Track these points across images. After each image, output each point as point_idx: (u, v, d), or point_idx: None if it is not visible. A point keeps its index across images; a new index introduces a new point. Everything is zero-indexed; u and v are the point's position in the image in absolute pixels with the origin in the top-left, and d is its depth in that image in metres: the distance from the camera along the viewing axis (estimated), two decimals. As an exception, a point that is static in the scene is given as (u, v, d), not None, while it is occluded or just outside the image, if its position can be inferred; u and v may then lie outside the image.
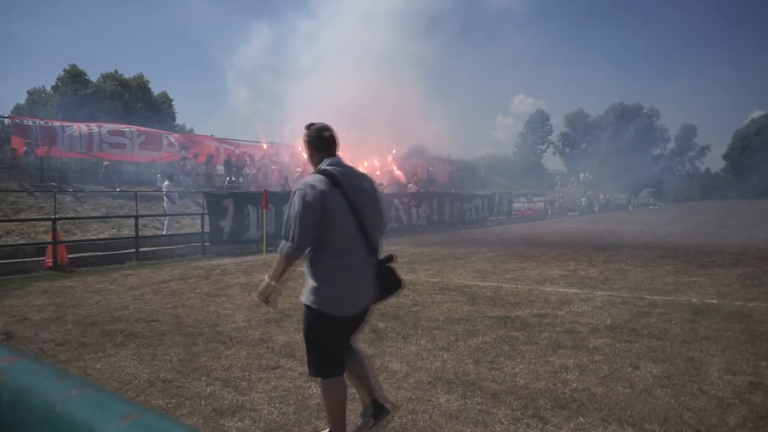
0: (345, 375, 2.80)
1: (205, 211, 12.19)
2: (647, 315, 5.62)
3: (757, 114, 73.91)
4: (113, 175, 16.58)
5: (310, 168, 2.82)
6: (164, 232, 12.97)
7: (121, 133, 17.41)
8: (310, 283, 2.63)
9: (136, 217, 11.50)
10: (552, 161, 72.64)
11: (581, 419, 3.11)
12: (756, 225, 20.47)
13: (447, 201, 20.39)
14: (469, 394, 3.51)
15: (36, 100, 30.53)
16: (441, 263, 10.04)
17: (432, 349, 4.49)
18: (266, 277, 2.67)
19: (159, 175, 16.30)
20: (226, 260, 10.75)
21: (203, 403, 3.43)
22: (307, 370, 2.78)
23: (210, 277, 8.59)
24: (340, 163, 2.71)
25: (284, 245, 2.58)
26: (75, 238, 11.29)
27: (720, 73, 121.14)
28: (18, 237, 10.96)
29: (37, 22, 78.49)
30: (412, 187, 21.54)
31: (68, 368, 4.08)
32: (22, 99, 31.84)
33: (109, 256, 10.63)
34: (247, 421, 3.15)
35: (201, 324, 5.46)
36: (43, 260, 9.58)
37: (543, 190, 35.85)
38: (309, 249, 2.64)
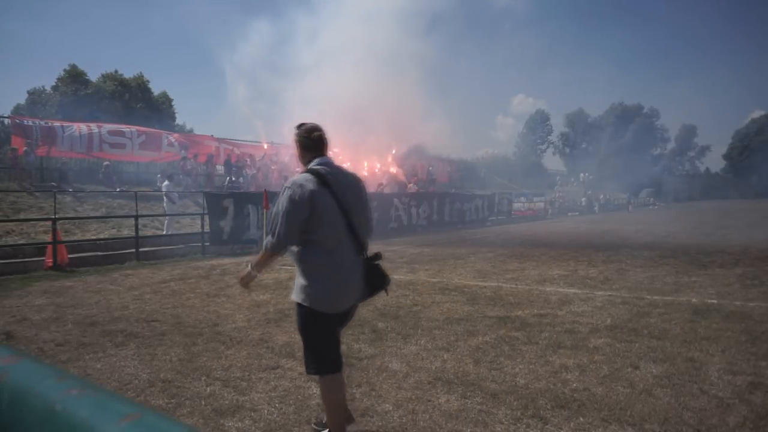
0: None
1: (205, 211, 12.19)
2: (647, 315, 5.62)
3: (757, 114, 74.03)
4: (113, 175, 16.58)
5: None
6: (164, 232, 12.97)
7: (121, 133, 17.41)
8: (300, 281, 2.69)
9: (136, 217, 11.50)
10: (552, 161, 72.72)
11: (581, 419, 3.11)
12: (756, 225, 20.47)
13: (447, 201, 20.39)
14: (469, 394, 3.51)
15: (36, 100, 30.52)
16: (441, 263, 10.04)
17: (432, 349, 4.49)
18: (248, 266, 2.82)
19: (159, 175, 16.30)
20: (226, 260, 10.75)
21: (203, 403, 3.43)
22: (305, 369, 2.82)
23: (210, 277, 8.59)
24: (329, 163, 2.77)
25: (268, 240, 2.69)
26: (75, 238, 11.30)
27: (720, 73, 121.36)
28: (18, 237, 10.96)
29: (37, 22, 78.59)
30: (412, 187, 21.54)
31: (68, 368, 4.08)
32: (22, 99, 31.86)
33: (109, 256, 10.62)
34: (247, 421, 3.15)
35: (201, 324, 5.46)
36: (43, 260, 9.58)
37: (543, 190, 35.84)
38: (298, 248, 2.69)
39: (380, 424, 3.12)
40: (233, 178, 17.72)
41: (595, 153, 64.21)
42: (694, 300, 6.36)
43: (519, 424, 3.06)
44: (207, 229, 12.05)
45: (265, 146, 21.25)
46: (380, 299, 6.46)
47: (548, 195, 33.45)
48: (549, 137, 72.98)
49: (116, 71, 32.46)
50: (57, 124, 16.64)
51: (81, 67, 31.46)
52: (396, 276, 8.47)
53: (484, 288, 7.34)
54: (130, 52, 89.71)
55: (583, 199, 36.99)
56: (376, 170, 20.62)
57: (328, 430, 2.82)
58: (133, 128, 18.10)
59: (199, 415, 3.25)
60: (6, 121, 19.38)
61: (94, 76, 32.04)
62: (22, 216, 11.95)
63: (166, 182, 14.41)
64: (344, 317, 2.82)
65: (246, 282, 2.87)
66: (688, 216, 28.61)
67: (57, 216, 10.78)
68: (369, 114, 22.17)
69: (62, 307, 6.35)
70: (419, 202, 18.66)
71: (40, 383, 0.82)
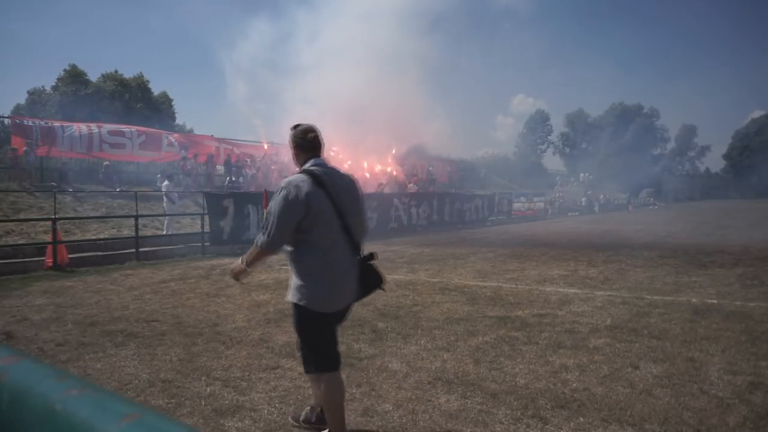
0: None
1: (205, 211, 12.19)
2: (647, 315, 5.62)
3: (757, 114, 74.04)
4: (113, 175, 16.59)
5: None
6: (164, 232, 12.98)
7: (121, 134, 17.42)
8: (296, 281, 2.71)
9: (136, 217, 11.50)
10: (552, 161, 72.70)
11: (581, 419, 3.11)
12: (756, 225, 20.47)
13: (447, 201, 20.39)
14: (469, 394, 3.51)
15: (36, 100, 30.52)
16: (441, 263, 10.04)
17: (432, 349, 4.49)
18: (240, 260, 2.83)
19: (159, 175, 16.31)
20: (226, 260, 10.75)
21: (203, 403, 3.43)
22: (304, 369, 2.85)
23: (210, 277, 8.59)
24: (323, 164, 2.79)
25: (260, 238, 2.71)
26: (75, 238, 11.30)
27: (720, 74, 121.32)
28: (18, 237, 10.96)
29: (37, 22, 78.55)
30: (412, 187, 21.55)
31: (68, 368, 4.08)
32: (22, 99, 31.87)
33: (109, 256, 10.63)
34: (247, 421, 3.15)
35: (201, 324, 5.46)
36: (43, 260, 9.58)
37: (543, 190, 35.82)
38: (293, 248, 2.72)
39: (380, 424, 3.12)
40: (233, 178, 17.73)
41: (595, 153, 64.20)
42: (694, 300, 6.36)
43: (519, 424, 3.06)
44: (207, 229, 12.05)
45: (265, 146, 21.26)
46: (380, 299, 6.47)
47: (548, 195, 33.44)
48: (549, 137, 73.01)
49: (116, 71, 32.48)
50: (57, 124, 16.65)
51: (81, 67, 31.49)
52: (396, 276, 8.47)
53: (484, 288, 7.34)
54: (130, 52, 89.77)
55: (583, 199, 36.98)
56: (377, 170, 20.61)
57: (328, 430, 2.83)
58: (133, 128, 18.11)
59: (199, 415, 3.25)
60: (6, 121, 19.39)
61: (94, 76, 32.07)
62: (22, 216, 11.96)
63: (166, 182, 14.42)
64: (340, 316, 2.84)
65: (237, 275, 2.89)
66: (688, 216, 28.61)
67: (57, 216, 10.79)
68: (369, 113, 22.18)
69: (62, 307, 6.35)
70: (419, 202, 18.66)
71: (40, 383, 0.82)
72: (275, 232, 2.64)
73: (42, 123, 16.20)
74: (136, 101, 31.54)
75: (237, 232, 12.00)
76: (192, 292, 7.28)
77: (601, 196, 39.85)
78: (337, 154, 20.39)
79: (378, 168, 20.93)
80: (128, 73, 32.83)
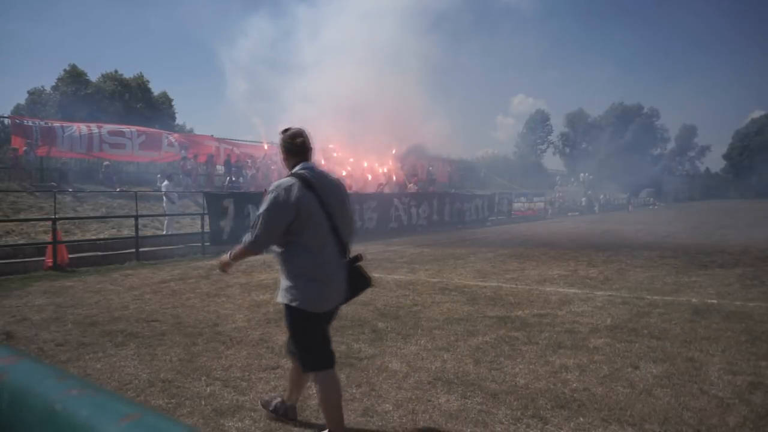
0: (292, 368, 3.06)
1: (205, 211, 12.19)
2: (647, 315, 5.62)
3: (757, 114, 74.06)
4: (113, 175, 16.58)
5: None
6: (164, 232, 12.97)
7: (121, 134, 17.42)
8: (286, 282, 2.76)
9: (136, 217, 11.50)
10: (552, 161, 72.70)
11: (581, 419, 3.11)
12: (756, 225, 20.47)
13: (447, 201, 20.39)
14: (469, 394, 3.51)
15: (36, 100, 30.54)
16: (441, 263, 10.04)
17: (432, 349, 4.49)
18: (227, 255, 2.93)
19: (159, 175, 16.31)
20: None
21: (203, 403, 3.43)
22: (302, 368, 2.91)
23: (210, 277, 8.58)
24: (312, 168, 2.86)
25: (247, 237, 2.78)
26: (75, 238, 11.30)
27: (720, 74, 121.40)
28: (18, 237, 10.96)
29: (37, 22, 78.53)
30: (412, 187, 21.55)
31: (68, 368, 4.08)
32: (22, 99, 31.88)
33: (109, 256, 10.62)
34: (247, 421, 3.15)
35: (201, 324, 5.46)
36: (43, 260, 9.58)
37: (543, 190, 35.82)
38: (283, 250, 2.77)
39: (380, 424, 3.12)
40: (233, 178, 17.72)
41: (595, 153, 64.21)
42: (694, 300, 6.36)
43: (519, 424, 3.06)
44: (207, 229, 12.05)
45: (266, 146, 21.24)
46: (380, 299, 6.47)
47: (548, 195, 33.43)
48: (549, 137, 73.05)
49: (116, 71, 32.51)
50: (57, 124, 16.64)
51: (81, 67, 31.54)
52: (396, 276, 8.47)
53: (484, 288, 7.34)
54: (130, 52, 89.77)
55: (583, 199, 36.99)
56: (379, 172, 20.60)
57: (327, 430, 2.83)
58: (133, 128, 18.10)
59: (199, 415, 3.25)
60: (6, 121, 19.39)
61: (94, 76, 32.10)
62: (22, 216, 11.95)
63: (166, 182, 14.42)
64: (329, 316, 2.90)
65: (223, 267, 3.02)
66: (688, 216, 28.61)
67: (57, 216, 10.78)
68: (369, 113, 22.16)
69: (62, 307, 6.35)
70: (419, 202, 18.66)
71: (40, 383, 0.82)
72: (261, 232, 2.71)
73: (42, 123, 16.19)
74: (136, 101, 31.56)
75: (237, 232, 11.98)
76: (192, 292, 7.28)
77: (601, 196, 39.86)
78: (333, 150, 20.38)
79: (381, 170, 20.90)
80: (128, 73, 32.89)
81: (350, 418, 3.13)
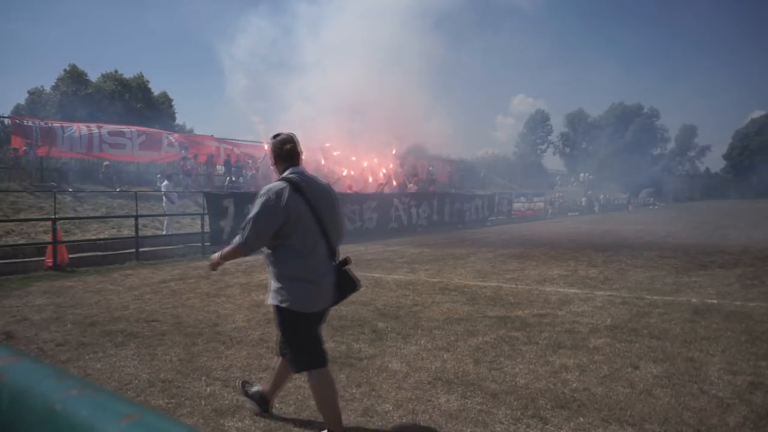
0: (279, 365, 3.10)
1: (205, 211, 12.19)
2: (647, 315, 5.62)
3: (757, 114, 74.06)
4: (113, 175, 16.59)
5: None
6: (164, 232, 12.97)
7: (121, 134, 17.42)
8: (276, 284, 2.81)
9: (136, 217, 11.50)
10: (552, 161, 72.74)
11: (581, 419, 3.11)
12: (756, 225, 20.47)
13: (447, 201, 20.39)
14: (469, 394, 3.51)
15: (36, 100, 30.55)
16: (441, 263, 10.04)
17: (432, 349, 4.49)
18: (217, 255, 3.04)
19: (159, 175, 16.32)
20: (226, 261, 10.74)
21: (203, 403, 3.43)
22: (295, 368, 2.94)
23: (210, 277, 8.58)
24: (302, 172, 2.92)
25: (237, 239, 2.86)
26: (75, 238, 11.30)
27: (720, 74, 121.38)
28: (18, 237, 10.96)
29: (37, 22, 78.45)
30: (412, 188, 21.55)
31: (68, 368, 4.08)
32: (22, 99, 31.89)
33: (109, 256, 10.63)
34: (247, 421, 3.15)
35: (201, 324, 5.46)
36: (43, 260, 9.58)
37: (543, 190, 35.82)
38: (273, 252, 2.83)
39: (380, 424, 3.12)
40: (233, 178, 17.73)
41: (595, 153, 64.22)
42: (694, 300, 6.36)
43: (519, 424, 3.06)
44: (207, 229, 12.05)
45: (266, 146, 21.20)
46: (380, 299, 6.48)
47: (548, 195, 33.44)
48: (549, 137, 73.11)
49: (116, 71, 32.53)
50: (57, 124, 16.64)
51: (81, 67, 31.56)
52: (396, 276, 8.47)
53: (484, 288, 7.34)
54: (130, 52, 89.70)
55: (583, 199, 36.99)
56: (381, 175, 20.60)
57: (327, 430, 2.83)
58: (133, 128, 18.11)
59: (199, 415, 3.25)
60: (6, 121, 19.39)
61: (94, 76, 32.11)
62: (22, 216, 11.95)
63: (166, 182, 14.42)
64: (319, 317, 2.93)
65: (213, 267, 3.14)
66: (688, 216, 28.61)
67: (57, 216, 10.78)
68: (370, 112, 22.16)
69: (62, 307, 6.35)
70: (419, 202, 18.67)
71: (40, 383, 0.82)
72: (250, 235, 2.77)
73: (42, 123, 16.19)
74: (136, 101, 31.57)
75: (237, 232, 11.93)
76: (192, 292, 7.28)
77: (601, 196, 39.87)
78: (333, 149, 20.36)
79: (381, 172, 20.90)
80: (128, 73, 32.89)
81: (350, 418, 3.14)
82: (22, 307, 6.35)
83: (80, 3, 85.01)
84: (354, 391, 3.58)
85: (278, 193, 2.75)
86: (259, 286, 7.53)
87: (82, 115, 23.58)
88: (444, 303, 6.35)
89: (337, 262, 2.93)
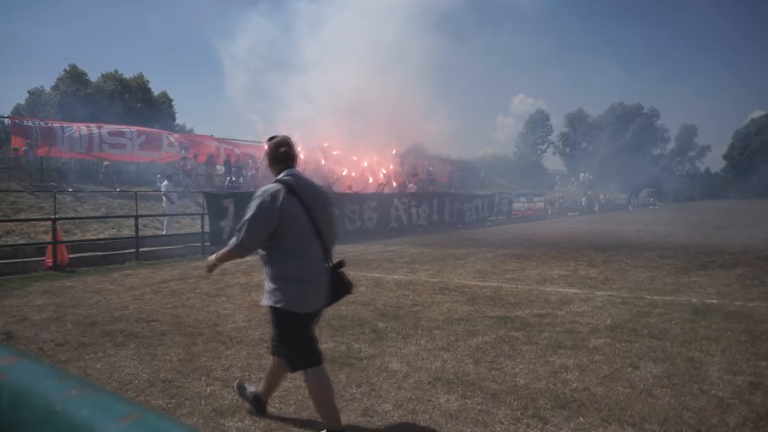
0: (271, 365, 3.10)
1: (205, 211, 12.19)
2: (647, 315, 5.62)
3: (757, 114, 74.08)
4: (113, 175, 16.59)
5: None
6: (164, 232, 12.97)
7: (121, 134, 17.42)
8: (271, 285, 2.83)
9: (136, 217, 11.50)
10: (552, 161, 72.72)
11: (581, 419, 3.11)
12: (756, 225, 20.47)
13: (447, 201, 20.39)
14: (469, 394, 3.51)
15: (36, 100, 30.55)
16: (441, 263, 10.04)
17: (432, 349, 4.49)
18: (214, 257, 3.04)
19: (158, 175, 16.32)
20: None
21: (203, 403, 3.43)
22: (290, 368, 2.95)
23: (210, 277, 8.58)
24: (297, 175, 2.97)
25: (233, 241, 2.88)
26: (75, 238, 11.30)
27: (720, 74, 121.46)
28: (18, 237, 10.96)
29: (37, 22, 78.46)
30: (412, 187, 21.54)
31: (68, 368, 4.08)
32: (22, 99, 31.90)
33: (109, 256, 10.62)
34: (247, 421, 3.15)
35: (201, 324, 5.46)
36: (43, 260, 9.58)
37: (543, 190, 35.81)
38: (268, 253, 2.85)
39: (380, 424, 3.12)
40: (233, 178, 17.72)
41: (595, 153, 64.25)
42: (694, 300, 6.36)
43: (519, 424, 3.06)
44: (207, 229, 12.05)
45: (266, 146, 21.22)
46: (380, 299, 6.48)
47: (548, 195, 33.43)
48: (549, 137, 73.13)
49: (116, 71, 32.53)
50: (57, 124, 16.64)
51: (81, 67, 31.55)
52: (396, 276, 8.47)
53: (484, 288, 7.34)
54: (130, 52, 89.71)
55: (583, 199, 36.99)
56: (381, 176, 20.60)
57: (326, 429, 2.83)
58: (133, 128, 18.10)
59: (199, 415, 3.25)
60: (6, 121, 19.39)
61: (94, 76, 32.11)
62: (22, 216, 11.95)
63: (165, 182, 14.42)
64: (313, 317, 2.95)
65: (209, 268, 3.12)
66: (688, 216, 28.61)
67: (57, 216, 10.78)
68: (370, 112, 22.14)
69: (62, 307, 6.35)
70: (419, 202, 18.66)
71: (40, 383, 0.82)
72: (246, 237, 2.80)
73: (42, 123, 16.19)
74: (136, 101, 31.57)
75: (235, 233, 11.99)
76: (192, 292, 7.28)
77: (601, 196, 39.87)
78: (333, 149, 20.35)
79: (381, 173, 20.90)
80: (128, 73, 32.89)
81: (350, 418, 3.14)
82: (22, 307, 6.35)
83: (80, 3, 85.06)
84: (354, 391, 3.58)
85: (273, 195, 2.78)
86: (259, 286, 7.52)
87: (82, 115, 23.57)
88: (444, 303, 6.35)
89: (332, 263, 2.95)
